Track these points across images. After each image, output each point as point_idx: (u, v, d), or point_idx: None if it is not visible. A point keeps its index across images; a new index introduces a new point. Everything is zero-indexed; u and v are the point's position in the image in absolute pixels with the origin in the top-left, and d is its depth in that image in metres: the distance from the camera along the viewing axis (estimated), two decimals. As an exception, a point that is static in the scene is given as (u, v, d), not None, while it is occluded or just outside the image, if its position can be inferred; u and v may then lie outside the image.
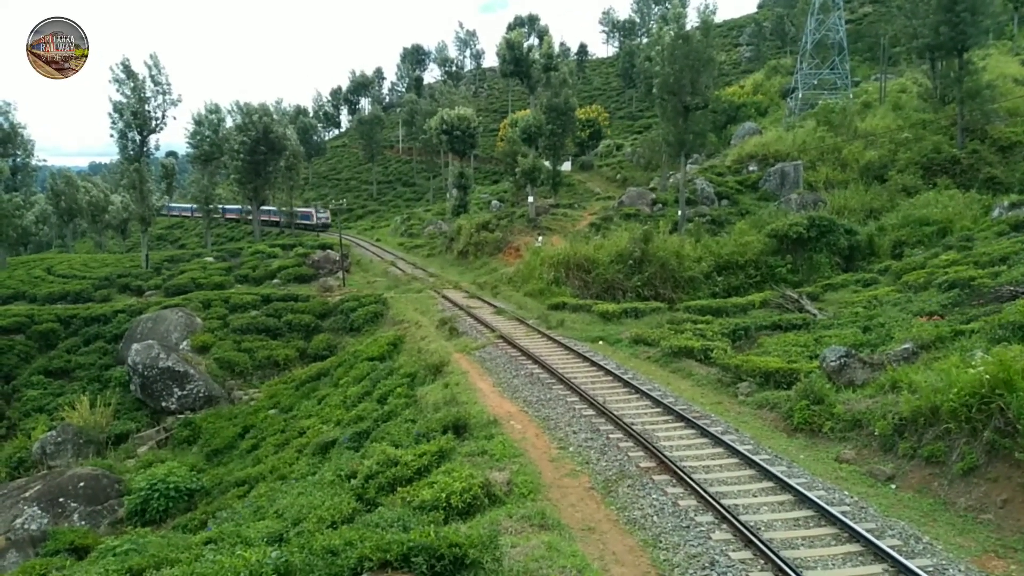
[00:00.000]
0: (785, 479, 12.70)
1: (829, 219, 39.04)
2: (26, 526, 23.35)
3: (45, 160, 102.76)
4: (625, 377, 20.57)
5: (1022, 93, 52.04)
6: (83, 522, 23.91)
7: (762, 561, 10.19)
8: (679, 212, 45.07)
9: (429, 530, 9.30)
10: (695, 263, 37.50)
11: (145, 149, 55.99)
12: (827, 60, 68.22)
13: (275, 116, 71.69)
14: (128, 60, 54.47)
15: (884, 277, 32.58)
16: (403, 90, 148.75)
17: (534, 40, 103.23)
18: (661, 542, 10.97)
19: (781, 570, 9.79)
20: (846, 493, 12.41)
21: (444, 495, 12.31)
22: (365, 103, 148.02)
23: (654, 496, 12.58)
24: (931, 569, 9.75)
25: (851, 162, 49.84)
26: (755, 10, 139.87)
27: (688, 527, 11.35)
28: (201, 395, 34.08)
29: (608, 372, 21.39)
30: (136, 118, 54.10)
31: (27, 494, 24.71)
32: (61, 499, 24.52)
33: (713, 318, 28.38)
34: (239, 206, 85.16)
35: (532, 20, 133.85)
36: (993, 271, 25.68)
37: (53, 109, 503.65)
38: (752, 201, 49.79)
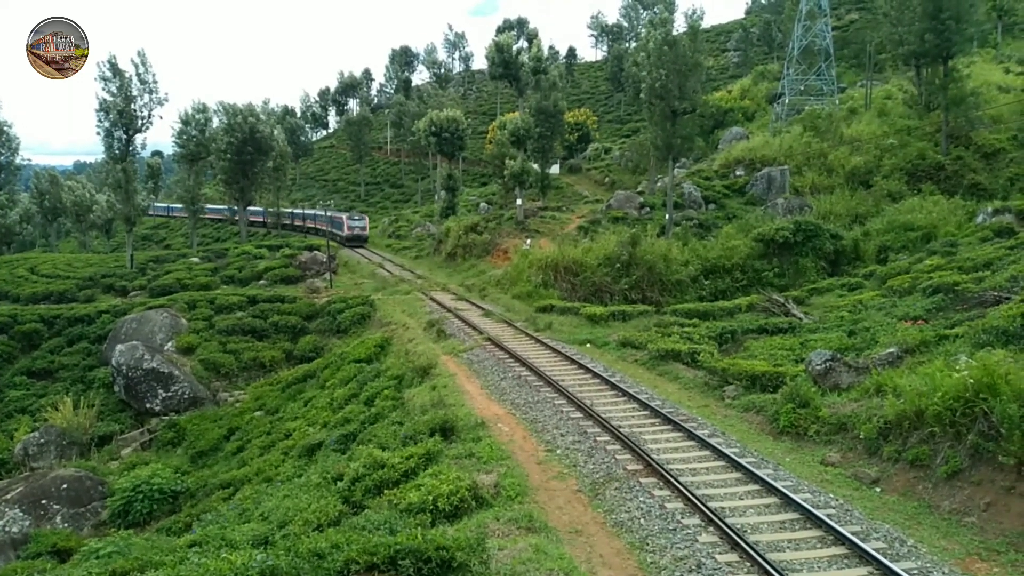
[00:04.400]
0: (771, 482, 12.76)
1: (815, 224, 39.32)
2: (7, 528, 23.08)
3: (29, 159, 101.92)
4: (612, 380, 20.59)
5: (1006, 100, 52.63)
6: (66, 524, 23.68)
7: (748, 564, 10.22)
8: (667, 216, 45.23)
9: (416, 533, 9.26)
10: (682, 267, 37.66)
11: (131, 148, 55.46)
12: (814, 66, 68.71)
13: (262, 116, 71.05)
14: (114, 58, 53.81)
15: (869, 282, 32.83)
16: (391, 92, 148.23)
17: (523, 43, 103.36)
18: (648, 545, 10.98)
19: (767, 573, 9.82)
20: (831, 496, 12.47)
21: (431, 498, 12.28)
22: (353, 104, 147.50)
23: (641, 499, 12.60)
24: (916, 572, 9.81)
25: (837, 167, 50.23)
26: (743, 16, 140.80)
27: (675, 530, 11.37)
28: (186, 396, 33.83)
29: (595, 375, 21.41)
30: (122, 117, 53.53)
31: (9, 496, 24.44)
32: (43, 501, 24.26)
33: (700, 321, 28.49)
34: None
35: (521, 23, 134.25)
36: (977, 276, 25.94)
37: (38, 107, 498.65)
38: (739, 205, 50.07)
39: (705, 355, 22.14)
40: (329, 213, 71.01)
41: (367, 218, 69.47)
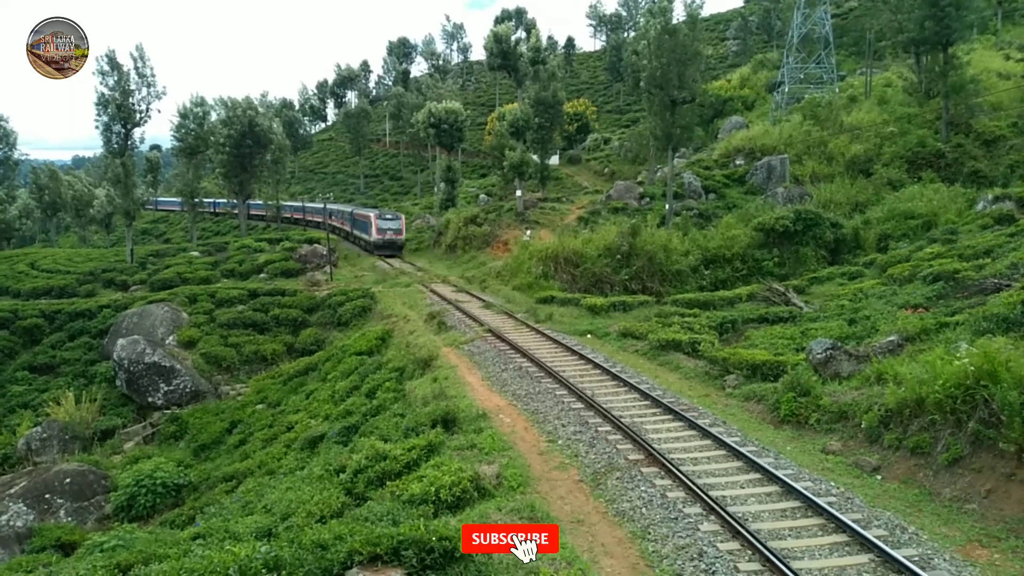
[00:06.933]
0: (772, 470, 12.79)
1: (815, 213, 39.28)
2: (11, 523, 23.20)
3: (27, 154, 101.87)
4: (613, 370, 20.62)
5: (1006, 87, 52.44)
6: (69, 518, 23.79)
7: (750, 552, 10.26)
8: (667, 206, 45.17)
9: (419, 523, 9.29)
10: (682, 257, 37.64)
11: (130, 142, 55.43)
12: (813, 54, 68.47)
13: (260, 109, 70.87)
14: (113, 52, 53.86)
15: (869, 270, 32.81)
16: (390, 83, 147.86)
17: (521, 34, 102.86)
18: (650, 534, 11.03)
19: (769, 560, 9.86)
20: (832, 484, 12.50)
21: (433, 489, 12.32)
22: (351, 96, 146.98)
23: (643, 488, 12.64)
24: (916, 559, 9.85)
25: (837, 156, 50.13)
26: (741, 4, 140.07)
27: (677, 519, 11.41)
28: (188, 390, 33.91)
29: (596, 365, 21.43)
30: (121, 111, 53.51)
31: (12, 490, 24.54)
32: (47, 495, 24.37)
33: (700, 311, 28.47)
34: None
35: (519, 13, 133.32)
36: (977, 264, 25.92)
37: (36, 102, 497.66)
38: (739, 195, 50.02)
39: (706, 345, 22.14)
40: (352, 210, 58.54)
41: (403, 218, 54.17)
